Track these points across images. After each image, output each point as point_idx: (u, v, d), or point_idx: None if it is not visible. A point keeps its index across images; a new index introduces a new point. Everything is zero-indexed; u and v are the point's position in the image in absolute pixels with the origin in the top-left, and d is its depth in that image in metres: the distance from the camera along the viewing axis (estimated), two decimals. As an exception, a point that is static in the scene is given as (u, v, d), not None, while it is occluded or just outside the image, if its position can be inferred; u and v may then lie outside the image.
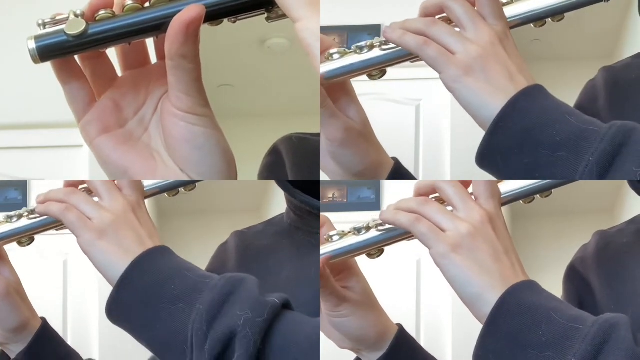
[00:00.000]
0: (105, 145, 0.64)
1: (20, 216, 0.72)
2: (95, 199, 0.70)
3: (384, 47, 0.68)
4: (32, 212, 0.72)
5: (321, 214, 0.74)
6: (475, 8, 0.66)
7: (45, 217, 0.72)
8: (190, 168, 0.64)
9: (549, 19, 0.69)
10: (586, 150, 0.59)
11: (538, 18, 0.69)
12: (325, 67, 0.69)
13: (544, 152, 0.61)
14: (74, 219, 0.68)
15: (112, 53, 0.66)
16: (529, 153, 0.61)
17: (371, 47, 0.68)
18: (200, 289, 0.64)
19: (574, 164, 0.60)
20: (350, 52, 0.69)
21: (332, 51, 0.69)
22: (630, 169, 0.58)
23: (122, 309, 0.65)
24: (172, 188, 0.74)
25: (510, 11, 0.68)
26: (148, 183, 0.73)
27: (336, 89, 0.71)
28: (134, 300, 0.65)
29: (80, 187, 0.71)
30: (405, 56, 0.68)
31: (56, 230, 0.72)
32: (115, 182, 0.70)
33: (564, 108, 0.63)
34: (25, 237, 0.73)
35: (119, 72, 0.66)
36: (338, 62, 0.69)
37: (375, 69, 0.69)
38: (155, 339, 0.64)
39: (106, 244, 0.66)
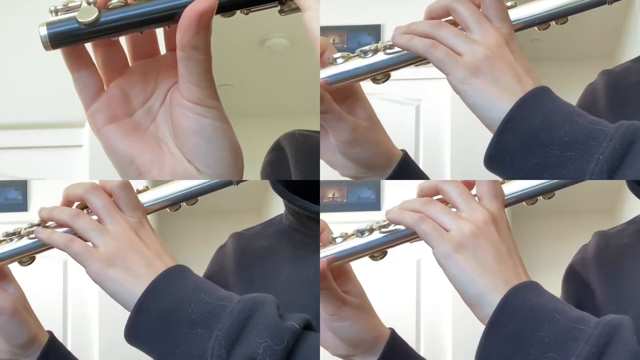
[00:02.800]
0: (113, 134, 0.64)
1: (20, 235, 0.70)
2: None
3: (388, 51, 0.68)
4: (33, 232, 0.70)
5: (321, 219, 0.74)
6: (480, 10, 0.66)
7: None
8: (197, 160, 0.64)
9: (553, 22, 0.69)
10: (595, 149, 0.60)
11: (542, 21, 0.69)
12: (330, 72, 0.68)
13: (552, 153, 0.61)
14: (80, 250, 0.67)
15: (123, 42, 0.65)
16: (538, 154, 0.61)
17: (375, 51, 0.68)
18: (218, 313, 0.63)
19: (584, 164, 0.60)
20: (355, 57, 0.69)
21: (335, 55, 0.69)
22: None
23: (140, 334, 0.65)
24: (173, 203, 0.73)
25: (514, 14, 0.68)
26: (149, 198, 0.71)
27: (341, 88, 0.71)
28: (152, 325, 0.64)
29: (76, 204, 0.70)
30: (410, 60, 0.68)
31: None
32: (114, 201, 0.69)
33: (571, 109, 0.63)
34: (25, 256, 0.71)
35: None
36: (342, 67, 0.69)
37: (380, 73, 0.69)
38: None
39: (115, 272, 0.65)
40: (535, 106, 0.62)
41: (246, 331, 0.62)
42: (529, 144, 0.61)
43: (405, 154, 0.78)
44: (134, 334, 0.65)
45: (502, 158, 0.63)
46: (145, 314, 0.64)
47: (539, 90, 0.63)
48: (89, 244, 0.67)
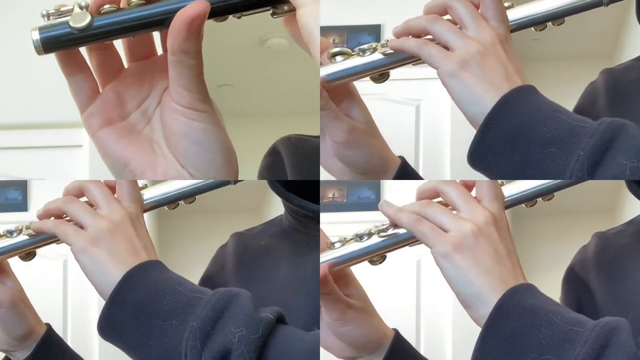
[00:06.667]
0: (107, 138, 0.64)
1: (20, 231, 0.71)
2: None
3: (387, 50, 0.68)
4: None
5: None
6: (479, 10, 0.66)
7: None
8: (189, 163, 0.64)
9: (550, 22, 0.69)
10: (576, 145, 0.59)
11: (539, 22, 0.69)
12: (328, 70, 0.68)
13: (535, 149, 0.61)
14: (69, 230, 0.67)
15: (119, 44, 0.65)
16: (520, 150, 0.61)
17: (374, 49, 0.68)
18: (192, 305, 0.63)
19: (565, 160, 0.60)
20: (353, 55, 0.69)
21: (334, 51, 0.69)
22: (620, 162, 0.58)
23: (114, 326, 0.64)
24: (171, 201, 0.73)
25: (511, 15, 0.68)
26: (148, 195, 0.72)
27: (338, 89, 0.71)
28: (126, 317, 0.64)
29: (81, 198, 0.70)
30: (408, 58, 0.68)
31: (57, 243, 0.71)
32: (116, 194, 0.70)
33: (554, 106, 0.63)
34: (24, 251, 0.72)
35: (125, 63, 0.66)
36: (341, 65, 0.69)
37: (378, 72, 0.69)
38: (148, 356, 0.63)
39: (98, 251, 0.65)
40: (519, 103, 0.62)
41: (221, 322, 0.62)
42: (511, 140, 0.61)
43: (403, 161, 0.78)
44: (108, 325, 0.65)
45: (485, 155, 0.63)
46: (120, 305, 0.64)
47: (524, 89, 0.63)
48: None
